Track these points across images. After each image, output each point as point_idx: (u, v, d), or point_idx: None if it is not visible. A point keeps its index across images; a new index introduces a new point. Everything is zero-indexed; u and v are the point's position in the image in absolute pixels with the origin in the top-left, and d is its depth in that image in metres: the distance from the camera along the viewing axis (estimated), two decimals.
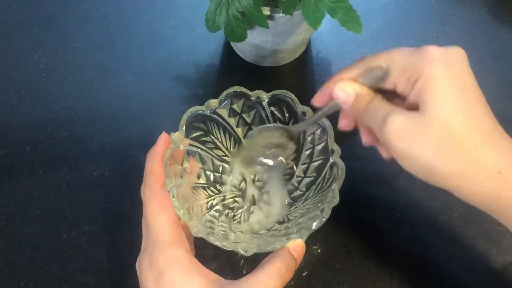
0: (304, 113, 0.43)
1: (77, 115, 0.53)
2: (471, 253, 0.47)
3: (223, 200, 0.46)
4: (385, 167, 0.51)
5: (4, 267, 0.46)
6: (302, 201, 0.45)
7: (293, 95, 0.44)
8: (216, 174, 0.46)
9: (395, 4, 0.62)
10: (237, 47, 0.57)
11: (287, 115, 0.45)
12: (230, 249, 0.37)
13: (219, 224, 0.43)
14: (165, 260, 0.35)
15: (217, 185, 0.46)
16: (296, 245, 0.37)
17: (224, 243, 0.37)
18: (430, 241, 0.47)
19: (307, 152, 0.46)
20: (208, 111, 0.44)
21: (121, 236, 0.48)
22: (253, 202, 0.46)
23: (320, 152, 0.45)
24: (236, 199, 0.46)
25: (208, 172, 0.45)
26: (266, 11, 0.46)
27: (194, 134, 0.43)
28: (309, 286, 0.46)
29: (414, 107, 0.33)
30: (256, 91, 0.44)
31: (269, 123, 0.46)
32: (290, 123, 0.45)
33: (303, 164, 0.46)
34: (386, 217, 0.49)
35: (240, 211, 0.46)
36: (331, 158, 0.42)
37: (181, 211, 0.38)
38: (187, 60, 0.57)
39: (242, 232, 0.43)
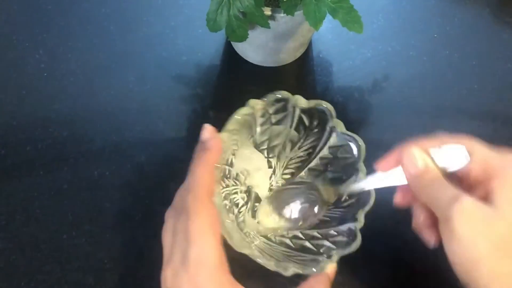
0: (334, 127, 0.43)
1: (77, 114, 0.53)
2: None
3: (231, 194, 0.45)
4: None
5: (5, 267, 0.46)
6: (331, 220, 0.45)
7: (332, 108, 0.42)
8: (227, 166, 0.44)
9: (396, 5, 0.62)
10: (238, 47, 0.57)
11: (315, 123, 0.44)
12: (272, 269, 0.37)
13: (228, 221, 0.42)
14: (212, 285, 0.33)
15: (224, 179, 0.44)
16: (333, 269, 0.39)
17: (266, 261, 0.37)
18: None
19: (322, 161, 0.45)
20: (252, 113, 0.42)
21: (121, 236, 0.48)
22: (257, 199, 0.46)
23: (340, 166, 0.44)
24: (241, 194, 0.46)
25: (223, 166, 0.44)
26: (267, 11, 0.46)
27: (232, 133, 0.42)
28: None
29: (481, 198, 0.34)
30: (297, 96, 0.42)
31: (291, 125, 0.45)
32: (315, 130, 0.44)
33: (313, 170, 0.46)
34: (387, 217, 0.49)
35: (243, 208, 0.45)
36: (356, 178, 0.42)
37: (228, 221, 0.37)
38: (188, 60, 0.57)
39: (250, 233, 0.43)
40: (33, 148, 0.51)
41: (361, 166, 0.42)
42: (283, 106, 0.43)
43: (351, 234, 0.40)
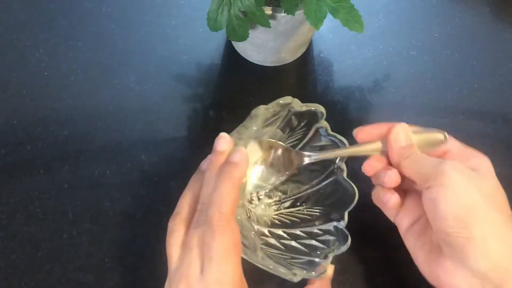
0: (321, 128, 0.43)
1: (78, 114, 0.53)
2: None
3: None
4: None
5: (5, 266, 0.46)
6: (287, 204, 0.45)
7: (324, 110, 0.43)
8: None
9: (397, 4, 0.62)
10: (239, 46, 0.57)
11: (303, 123, 0.44)
12: (284, 277, 0.37)
13: None
14: None
15: None
16: (332, 270, 0.41)
17: (280, 269, 0.37)
18: None
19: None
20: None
21: (121, 235, 0.48)
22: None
23: (318, 164, 0.44)
24: None
25: None
26: (268, 10, 0.46)
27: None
28: None
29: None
30: (294, 100, 0.42)
31: (278, 127, 0.45)
32: (301, 130, 0.45)
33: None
34: (387, 217, 0.49)
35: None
36: (336, 176, 0.43)
37: (244, 240, 0.37)
38: (189, 59, 0.57)
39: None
40: (34, 147, 0.51)
41: (343, 165, 0.43)
42: (280, 110, 0.44)
43: (339, 233, 0.41)
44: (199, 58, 0.57)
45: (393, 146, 0.39)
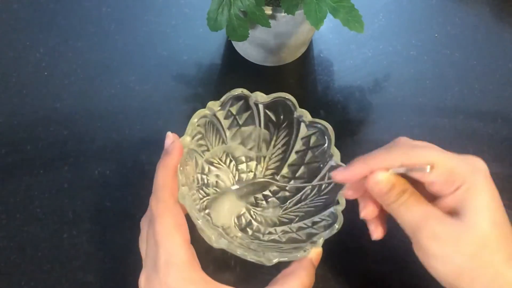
0: (300, 116, 0.43)
1: (78, 114, 0.53)
2: None
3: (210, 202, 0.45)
4: None
5: (5, 266, 0.46)
6: (293, 202, 0.45)
7: (293, 99, 0.43)
8: (204, 176, 0.45)
9: (397, 4, 0.62)
10: (239, 46, 0.57)
11: (282, 117, 0.44)
12: (253, 260, 0.36)
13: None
14: (183, 283, 0.34)
15: (204, 188, 0.45)
16: (317, 254, 0.38)
17: (246, 253, 0.36)
18: None
19: (298, 154, 0.46)
20: (210, 115, 0.42)
21: (122, 235, 0.48)
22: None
23: (315, 155, 0.44)
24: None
25: (199, 175, 0.44)
26: (268, 10, 0.46)
27: (196, 137, 0.42)
28: None
29: (449, 208, 0.35)
30: (256, 92, 0.43)
31: (259, 124, 0.45)
32: (283, 125, 0.45)
33: (292, 165, 0.46)
34: (389, 218, 0.49)
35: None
36: (331, 161, 0.42)
37: (200, 220, 0.36)
38: (189, 59, 0.57)
39: (237, 236, 0.43)
40: (34, 147, 0.51)
41: (334, 150, 0.42)
42: (245, 105, 0.44)
43: (334, 217, 0.40)
44: (199, 58, 0.57)
45: (373, 194, 0.37)
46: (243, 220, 0.45)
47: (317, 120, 0.43)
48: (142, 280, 0.36)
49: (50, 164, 0.51)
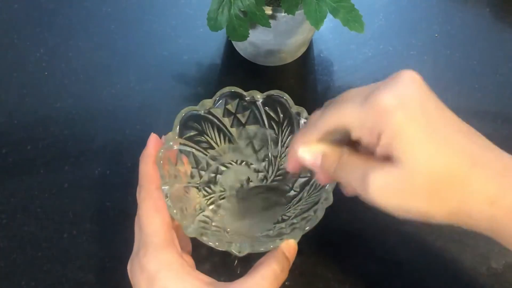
0: (298, 114, 0.43)
1: (78, 113, 0.53)
2: (472, 253, 0.47)
3: (217, 200, 0.45)
4: None
5: (5, 266, 0.46)
6: (296, 201, 0.45)
7: (287, 96, 0.42)
8: (211, 174, 0.46)
9: (397, 4, 0.62)
10: (239, 46, 0.57)
11: (281, 115, 0.45)
12: (224, 250, 0.37)
13: (213, 224, 0.42)
14: (157, 263, 0.35)
15: (211, 185, 0.45)
16: (290, 246, 0.37)
17: (217, 243, 0.36)
18: (431, 241, 0.47)
19: None
20: (203, 111, 0.43)
21: (122, 235, 0.48)
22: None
23: None
24: (231, 199, 0.46)
25: (202, 172, 0.45)
26: (268, 10, 0.46)
27: (188, 134, 0.43)
28: (310, 285, 0.46)
29: (386, 157, 0.31)
30: (251, 91, 0.43)
31: (263, 123, 0.45)
32: (285, 123, 0.45)
33: None
34: (388, 217, 0.49)
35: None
36: None
37: (174, 210, 0.37)
38: (189, 59, 0.57)
39: (236, 234, 0.43)
40: (34, 147, 0.51)
41: None
42: (242, 104, 0.44)
43: (320, 214, 0.39)
44: (199, 58, 0.57)
45: (315, 169, 0.35)
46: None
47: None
48: (128, 267, 0.37)
49: (50, 164, 0.51)
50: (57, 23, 0.59)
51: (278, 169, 0.47)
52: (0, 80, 0.55)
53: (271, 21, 0.46)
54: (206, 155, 0.45)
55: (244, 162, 0.47)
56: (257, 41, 0.52)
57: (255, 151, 0.47)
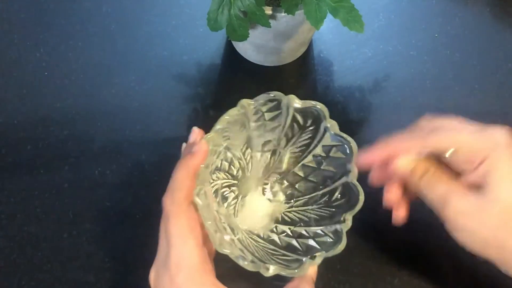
0: (327, 128, 0.42)
1: (78, 113, 0.53)
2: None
3: (221, 187, 0.44)
4: None
5: (5, 266, 0.46)
6: (300, 203, 0.45)
7: (325, 109, 0.42)
8: (221, 160, 0.44)
9: (397, 4, 0.62)
10: (239, 46, 0.57)
11: (310, 122, 0.44)
12: (252, 270, 0.36)
13: (222, 222, 0.42)
14: (192, 285, 0.34)
15: (216, 172, 0.44)
16: (315, 271, 0.40)
17: (245, 262, 0.36)
18: (432, 241, 0.47)
19: (314, 158, 0.45)
20: (241, 112, 0.41)
21: (122, 235, 0.48)
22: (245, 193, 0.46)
23: (332, 165, 0.44)
24: (232, 188, 0.46)
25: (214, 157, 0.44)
26: (268, 10, 0.46)
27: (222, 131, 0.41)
28: None
29: (472, 184, 0.36)
30: (290, 96, 0.42)
31: (285, 125, 0.44)
32: (308, 130, 0.44)
33: (306, 165, 0.46)
34: (388, 217, 0.49)
35: (234, 201, 0.45)
36: (347, 178, 0.42)
37: (209, 222, 0.36)
38: (189, 59, 0.57)
39: (242, 233, 0.43)
40: (34, 147, 0.51)
41: (353, 167, 0.42)
42: (276, 106, 0.43)
43: (337, 236, 0.40)
44: (199, 58, 0.57)
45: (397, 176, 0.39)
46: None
47: (343, 134, 0.42)
48: (152, 275, 0.36)
49: (50, 164, 0.51)
50: (57, 23, 0.59)
51: (280, 163, 0.47)
52: (0, 80, 0.55)
53: (271, 21, 0.46)
54: (223, 144, 0.43)
55: (248, 150, 0.46)
56: (257, 41, 0.52)
57: (263, 143, 0.46)
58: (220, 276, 0.36)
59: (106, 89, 0.55)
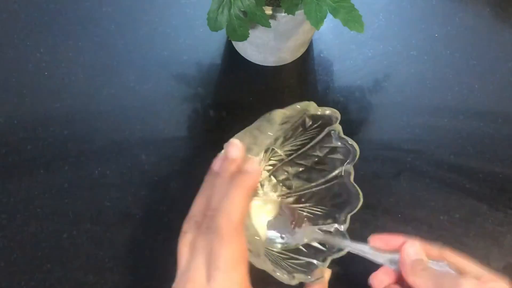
0: (333, 131, 0.43)
1: (78, 113, 0.53)
2: (472, 253, 0.47)
3: None
4: (386, 167, 0.51)
5: (5, 266, 0.46)
6: (291, 199, 0.45)
7: (339, 115, 0.42)
8: None
9: (397, 4, 0.62)
10: (239, 46, 0.57)
11: (316, 125, 0.44)
12: (284, 282, 0.37)
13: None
14: None
15: None
16: (329, 276, 0.41)
17: (278, 274, 0.37)
18: (431, 241, 0.47)
19: (309, 157, 0.45)
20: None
21: (122, 235, 0.48)
22: None
23: (328, 164, 0.44)
24: None
25: None
26: (268, 10, 0.46)
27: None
28: None
29: None
30: (311, 103, 0.41)
31: (292, 127, 0.44)
32: (312, 129, 0.44)
33: (298, 163, 0.46)
34: (387, 217, 0.49)
35: None
36: (344, 179, 0.42)
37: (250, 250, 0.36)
38: (189, 59, 0.57)
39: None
40: (34, 147, 0.51)
41: (351, 169, 0.42)
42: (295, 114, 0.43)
43: (339, 236, 0.41)
44: (200, 58, 0.57)
45: (405, 259, 0.39)
46: None
47: (347, 138, 0.43)
48: None
49: (50, 164, 0.51)
50: (57, 23, 0.59)
51: (270, 159, 0.47)
52: (0, 80, 0.55)
53: (271, 21, 0.46)
54: None
55: None
56: (257, 41, 0.52)
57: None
58: None
59: (106, 89, 0.55)
